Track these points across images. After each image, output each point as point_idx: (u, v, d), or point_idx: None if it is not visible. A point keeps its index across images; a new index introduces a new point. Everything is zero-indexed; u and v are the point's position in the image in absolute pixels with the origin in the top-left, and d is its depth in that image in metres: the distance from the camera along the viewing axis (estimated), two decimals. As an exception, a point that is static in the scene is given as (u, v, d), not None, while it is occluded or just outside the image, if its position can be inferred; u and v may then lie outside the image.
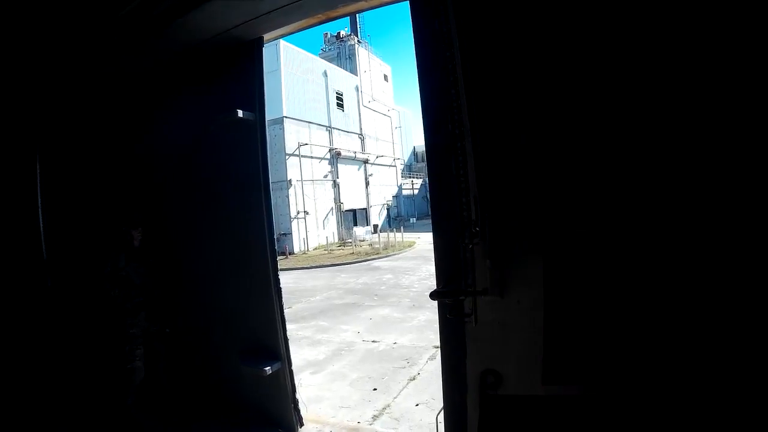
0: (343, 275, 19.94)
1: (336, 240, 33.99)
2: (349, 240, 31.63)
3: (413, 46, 3.13)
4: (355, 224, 36.19)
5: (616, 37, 2.31)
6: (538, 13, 2.44)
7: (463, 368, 2.94)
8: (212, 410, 5.30)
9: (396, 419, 5.90)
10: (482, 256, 2.60)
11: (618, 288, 2.40)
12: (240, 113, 4.54)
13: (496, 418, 2.64)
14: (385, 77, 48.75)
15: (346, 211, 36.51)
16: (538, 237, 2.53)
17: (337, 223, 35.30)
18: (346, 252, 27.67)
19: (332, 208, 34.87)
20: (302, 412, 5.07)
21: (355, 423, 5.57)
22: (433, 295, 2.84)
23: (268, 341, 4.85)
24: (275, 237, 5.06)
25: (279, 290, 4.80)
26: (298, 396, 4.99)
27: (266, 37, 4.65)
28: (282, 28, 4.51)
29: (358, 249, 27.95)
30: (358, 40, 44.28)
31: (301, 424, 5.01)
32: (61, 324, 5.32)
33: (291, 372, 4.90)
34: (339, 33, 44.59)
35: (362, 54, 43.52)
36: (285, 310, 5.02)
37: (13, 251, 5.22)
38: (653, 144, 2.28)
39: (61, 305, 5.29)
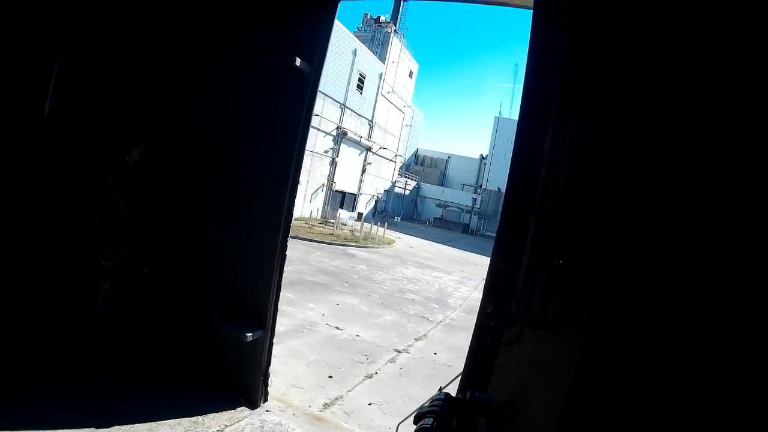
0: (318, 253, 19.66)
1: (319, 216, 33.69)
2: (332, 220, 31.32)
3: (526, 56, 2.86)
4: (342, 207, 35.89)
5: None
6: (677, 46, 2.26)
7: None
8: (173, 365, 4.96)
9: (347, 413, 5.71)
10: (547, 288, 2.40)
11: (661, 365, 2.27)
12: (298, 61, 4.22)
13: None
14: (411, 73, 48.43)
15: (336, 191, 36.20)
16: (603, 282, 2.36)
17: (325, 200, 34.97)
18: (326, 231, 27.33)
19: (323, 185, 34.51)
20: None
21: (317, 411, 5.32)
22: (490, 317, 2.62)
23: (257, 306, 4.56)
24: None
25: (284, 257, 4.51)
26: (270, 370, 4.74)
27: (345, -9, 4.36)
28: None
29: (339, 232, 27.62)
30: (395, 30, 43.81)
31: (265, 400, 4.74)
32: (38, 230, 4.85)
33: (271, 344, 4.64)
34: (379, 17, 44.04)
35: (395, 44, 43.07)
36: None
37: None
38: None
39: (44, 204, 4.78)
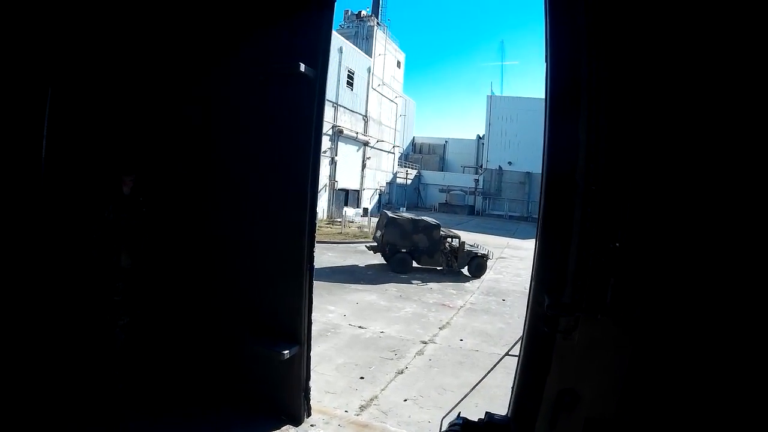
0: (329, 254, 19.63)
1: (325, 217, 33.66)
2: (339, 219, 31.26)
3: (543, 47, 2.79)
4: (346, 205, 35.85)
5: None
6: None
7: (542, 382, 2.72)
8: (206, 392, 4.84)
9: (384, 413, 5.72)
10: (604, 272, 2.34)
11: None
12: (302, 67, 4.07)
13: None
14: (398, 64, 48.30)
15: (339, 190, 36.14)
16: (661, 262, 2.27)
17: (329, 200, 34.93)
18: (334, 231, 27.28)
19: (326, 185, 34.43)
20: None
21: (358, 417, 5.31)
22: (548, 309, 2.54)
23: (289, 322, 4.48)
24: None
25: (312, 268, 4.42)
26: (311, 384, 4.69)
27: (341, -11, 4.30)
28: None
29: (347, 230, 27.59)
30: (377, 23, 43.65)
31: (309, 414, 4.69)
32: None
33: (309, 357, 4.58)
34: (360, 12, 43.87)
35: (380, 37, 42.93)
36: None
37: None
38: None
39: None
